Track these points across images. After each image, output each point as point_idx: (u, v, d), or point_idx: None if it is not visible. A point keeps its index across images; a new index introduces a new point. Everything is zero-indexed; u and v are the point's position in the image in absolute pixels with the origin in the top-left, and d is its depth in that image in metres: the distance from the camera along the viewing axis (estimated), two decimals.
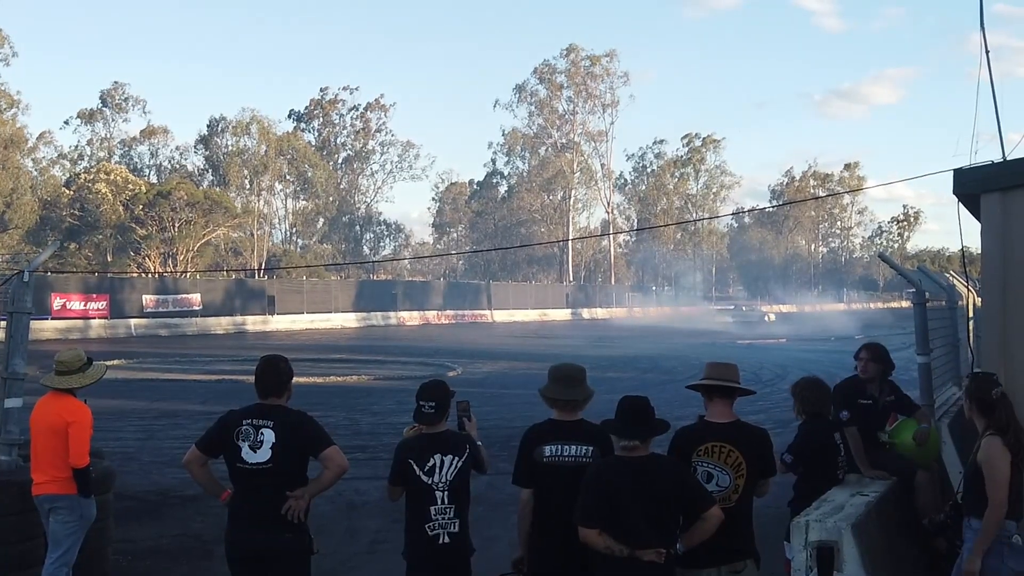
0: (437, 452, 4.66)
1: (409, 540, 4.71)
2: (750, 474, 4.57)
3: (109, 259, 62.00)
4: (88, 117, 79.79)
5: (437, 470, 4.63)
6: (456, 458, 4.67)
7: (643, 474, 4.19)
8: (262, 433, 4.64)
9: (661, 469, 4.29)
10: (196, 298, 50.01)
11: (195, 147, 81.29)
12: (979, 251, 5.99)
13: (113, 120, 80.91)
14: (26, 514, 6.05)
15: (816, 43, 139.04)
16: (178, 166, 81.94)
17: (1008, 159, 5.99)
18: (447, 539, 4.61)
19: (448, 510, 4.62)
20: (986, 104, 6.25)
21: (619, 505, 4.16)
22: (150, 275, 57.38)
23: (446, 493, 4.62)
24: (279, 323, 52.28)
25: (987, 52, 6.36)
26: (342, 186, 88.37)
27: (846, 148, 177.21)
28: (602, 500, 4.19)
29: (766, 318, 64.99)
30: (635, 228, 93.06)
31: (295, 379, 4.88)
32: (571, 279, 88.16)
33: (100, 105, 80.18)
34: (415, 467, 4.64)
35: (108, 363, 23.95)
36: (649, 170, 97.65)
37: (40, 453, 5.92)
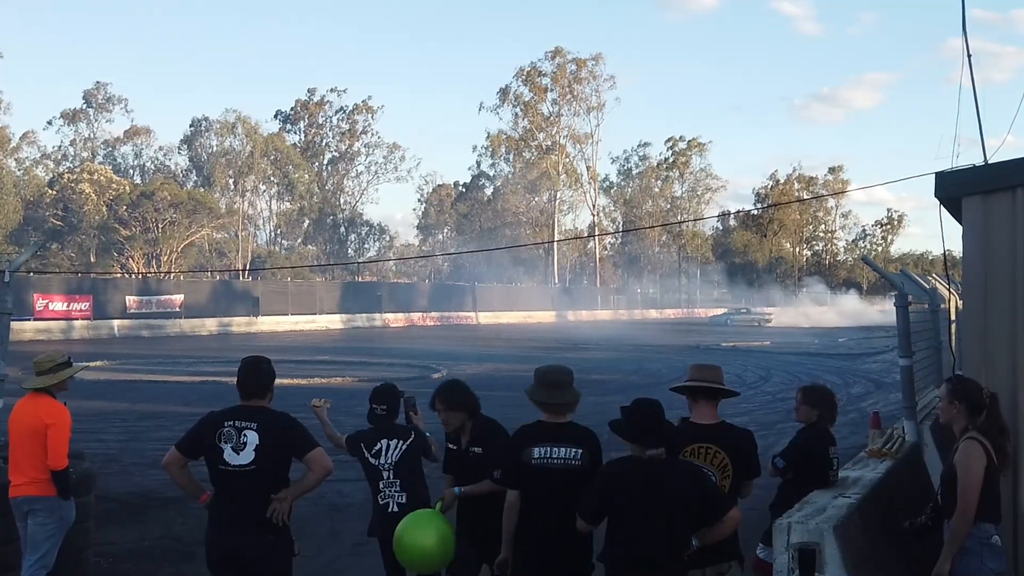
0: (383, 438, 5.54)
1: (373, 511, 5.59)
2: (735, 475, 4.59)
3: (92, 259, 61.75)
4: (71, 117, 79.38)
5: (383, 453, 5.51)
6: (401, 441, 5.54)
7: (660, 479, 4.17)
8: (245, 435, 4.62)
9: (679, 475, 4.25)
10: (180, 299, 49.80)
11: (179, 148, 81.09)
12: (961, 254, 6.00)
13: (96, 120, 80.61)
14: (9, 516, 5.99)
15: (795, 47, 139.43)
16: (162, 167, 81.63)
17: (989, 163, 6.01)
18: (396, 508, 5.40)
19: (394, 484, 5.47)
20: (967, 108, 6.28)
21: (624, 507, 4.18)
22: (133, 276, 57.18)
23: (391, 471, 5.48)
24: (263, 324, 52.08)
25: (969, 56, 6.38)
26: (327, 187, 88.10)
27: (826, 152, 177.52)
28: (606, 500, 4.22)
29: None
30: (620, 230, 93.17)
31: (278, 381, 4.86)
32: (556, 281, 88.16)
33: (83, 105, 79.83)
34: (365, 451, 5.53)
35: (90, 364, 23.89)
36: (635, 172, 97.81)
37: (19, 455, 5.87)
